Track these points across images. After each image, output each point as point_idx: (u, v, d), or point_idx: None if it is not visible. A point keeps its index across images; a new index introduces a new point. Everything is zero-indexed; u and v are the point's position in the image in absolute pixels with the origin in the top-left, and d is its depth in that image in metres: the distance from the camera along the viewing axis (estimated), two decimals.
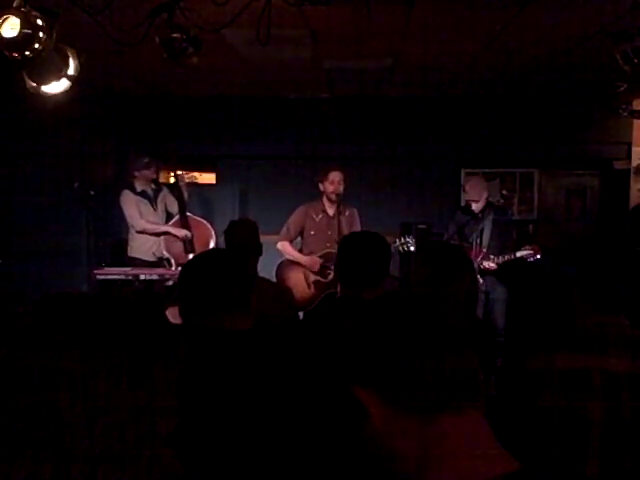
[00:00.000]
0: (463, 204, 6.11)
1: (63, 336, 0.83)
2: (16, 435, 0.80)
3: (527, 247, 5.13)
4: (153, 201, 5.61)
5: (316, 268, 4.76)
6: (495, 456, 0.87)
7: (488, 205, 5.35)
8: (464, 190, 5.80)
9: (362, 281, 2.27)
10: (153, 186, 5.65)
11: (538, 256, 5.07)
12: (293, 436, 1.65)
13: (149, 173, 5.53)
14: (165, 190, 5.77)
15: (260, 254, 3.53)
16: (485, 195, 5.36)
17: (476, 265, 5.14)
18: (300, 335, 2.13)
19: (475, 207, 5.30)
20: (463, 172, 7.26)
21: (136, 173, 5.51)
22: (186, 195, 5.66)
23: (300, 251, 4.98)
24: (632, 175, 6.59)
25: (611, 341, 1.68)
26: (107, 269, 5.15)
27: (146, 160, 5.52)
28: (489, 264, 5.11)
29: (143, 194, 5.53)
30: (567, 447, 1.65)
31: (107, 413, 0.80)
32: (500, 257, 5.12)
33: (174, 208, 5.68)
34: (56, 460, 0.78)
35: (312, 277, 4.78)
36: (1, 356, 0.83)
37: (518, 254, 5.09)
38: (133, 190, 5.51)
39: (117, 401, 0.81)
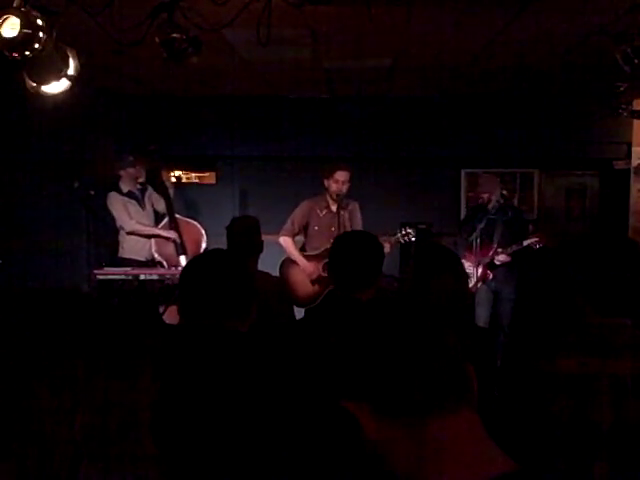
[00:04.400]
0: (471, 203, 6.21)
1: (43, 330, 0.84)
2: (1, 430, 0.81)
3: (532, 236, 5.28)
4: (140, 200, 5.60)
5: (314, 276, 4.76)
6: (491, 456, 0.86)
7: (500, 204, 5.43)
8: (477, 183, 5.91)
9: (354, 282, 2.25)
10: (139, 186, 5.64)
11: (542, 244, 5.22)
12: (285, 444, 1.64)
13: (134, 172, 5.53)
14: (150, 189, 5.76)
15: (261, 251, 3.53)
16: (498, 192, 5.43)
17: (487, 261, 5.23)
18: (294, 341, 2.11)
19: (486, 200, 5.38)
20: (463, 172, 7.26)
21: (121, 172, 5.51)
22: (172, 193, 5.65)
23: (303, 247, 5.00)
24: (632, 175, 6.59)
25: (617, 344, 1.68)
26: (107, 269, 5.15)
27: (130, 159, 5.51)
28: (501, 257, 5.21)
29: (130, 194, 5.52)
30: (575, 449, 1.65)
31: (87, 403, 0.81)
32: (508, 248, 5.25)
33: (160, 206, 5.67)
34: (40, 451, 0.79)
35: (313, 275, 4.78)
36: None
37: (525, 243, 5.23)
38: (119, 191, 5.49)
39: (97, 391, 0.82)
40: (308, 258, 4.87)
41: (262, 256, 3.59)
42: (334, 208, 4.89)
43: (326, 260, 4.70)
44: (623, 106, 5.49)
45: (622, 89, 4.71)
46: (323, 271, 4.71)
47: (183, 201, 6.46)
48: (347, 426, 0.89)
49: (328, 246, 4.70)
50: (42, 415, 0.81)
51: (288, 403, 1.68)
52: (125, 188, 5.51)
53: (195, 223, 5.66)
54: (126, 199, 5.49)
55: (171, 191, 5.67)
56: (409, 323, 0.92)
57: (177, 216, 5.57)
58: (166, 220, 5.57)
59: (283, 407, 1.67)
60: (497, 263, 5.28)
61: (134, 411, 0.86)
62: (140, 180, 5.62)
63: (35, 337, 0.86)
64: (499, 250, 5.26)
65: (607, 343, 1.69)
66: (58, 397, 0.82)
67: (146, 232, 5.48)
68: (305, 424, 1.64)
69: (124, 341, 0.89)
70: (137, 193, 5.59)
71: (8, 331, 0.87)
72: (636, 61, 3.27)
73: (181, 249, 5.40)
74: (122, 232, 5.52)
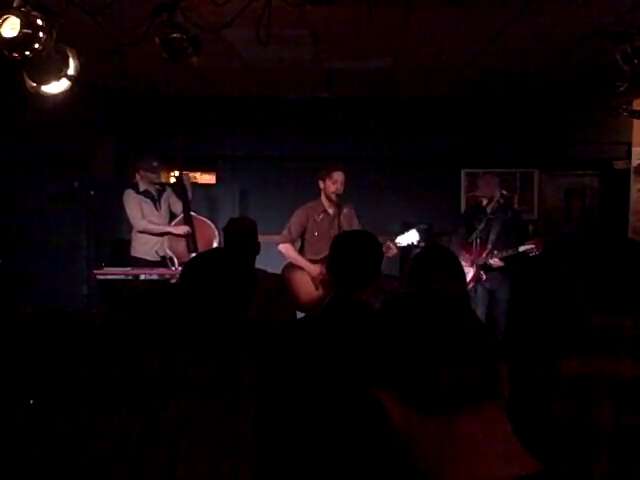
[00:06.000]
0: (470, 203, 6.16)
1: (160, 314, 0.90)
2: (111, 395, 0.85)
3: (529, 242, 5.18)
4: (156, 201, 5.61)
5: (321, 277, 4.72)
6: (515, 457, 0.85)
7: (499, 205, 5.38)
8: (477, 186, 5.86)
9: (353, 281, 2.25)
10: (157, 186, 5.65)
11: (538, 251, 5.10)
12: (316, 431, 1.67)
13: (153, 177, 5.54)
14: (169, 190, 5.77)
15: (257, 253, 3.53)
16: (498, 194, 5.37)
17: (481, 262, 5.19)
18: (307, 334, 2.12)
19: (485, 202, 5.33)
20: (463, 172, 7.26)
21: (141, 172, 5.52)
22: (190, 195, 5.67)
23: (300, 251, 4.97)
24: (632, 175, 6.59)
25: (619, 344, 1.67)
26: (107, 269, 5.15)
27: (155, 164, 5.52)
28: (494, 260, 5.16)
29: (146, 193, 5.53)
30: (575, 450, 1.64)
31: (194, 385, 0.85)
32: (503, 252, 5.16)
33: (177, 208, 5.68)
34: (145, 421, 0.83)
35: (319, 277, 4.76)
36: (100, 325, 0.92)
37: (520, 249, 5.13)
38: (136, 189, 5.51)
39: (205, 374, 0.86)
40: (311, 263, 4.85)
41: (263, 256, 3.59)
42: (331, 211, 4.87)
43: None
44: (623, 106, 5.49)
45: (622, 89, 4.71)
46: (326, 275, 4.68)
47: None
48: (374, 412, 0.89)
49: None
50: (151, 388, 0.86)
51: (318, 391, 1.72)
52: (142, 187, 5.53)
53: (210, 223, 5.67)
54: (141, 197, 5.49)
55: (189, 191, 5.69)
56: (444, 318, 0.92)
57: (192, 214, 5.58)
58: (181, 216, 5.58)
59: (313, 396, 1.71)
60: (490, 265, 5.20)
61: (236, 399, 0.90)
62: (157, 181, 5.62)
63: (154, 319, 0.93)
64: (495, 252, 5.17)
65: (607, 343, 1.68)
66: (168, 373, 0.87)
67: (157, 231, 5.49)
68: (335, 408, 1.66)
69: (234, 332, 0.95)
70: (154, 193, 5.59)
71: (131, 312, 0.96)
72: (636, 61, 3.27)
73: (192, 246, 5.41)
74: (134, 230, 5.53)
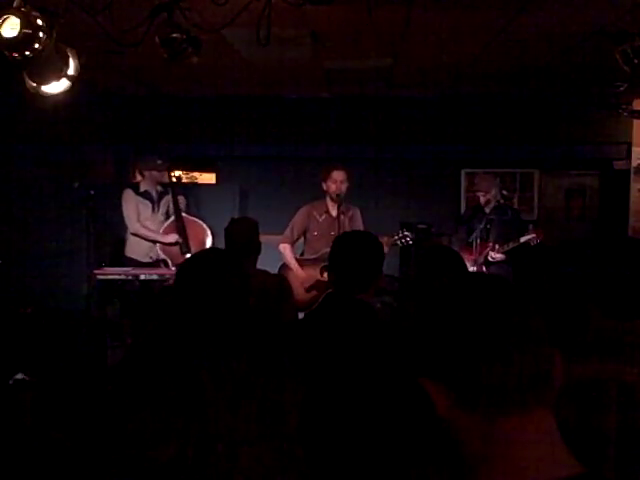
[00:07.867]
0: (470, 203, 6.19)
1: (211, 333, 0.92)
2: (161, 421, 0.86)
3: (529, 232, 5.24)
4: (155, 203, 5.60)
5: (306, 284, 4.75)
6: (558, 459, 0.85)
7: (498, 204, 5.41)
8: (474, 182, 5.92)
9: (354, 282, 2.24)
10: (159, 188, 5.63)
11: (539, 240, 5.15)
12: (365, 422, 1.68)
13: (159, 175, 5.53)
14: (170, 194, 5.76)
15: (259, 253, 3.54)
16: (494, 192, 5.40)
17: (482, 260, 5.20)
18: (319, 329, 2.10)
19: (482, 200, 5.36)
20: (463, 172, 7.26)
21: (146, 173, 5.51)
22: (182, 201, 5.65)
23: (302, 253, 4.99)
24: (632, 175, 6.59)
25: (627, 348, 1.66)
26: (107, 269, 5.15)
27: (159, 162, 5.51)
28: (495, 255, 5.19)
29: (145, 194, 5.52)
30: (581, 456, 1.63)
31: (249, 397, 0.86)
32: (505, 245, 5.20)
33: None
34: (202, 433, 0.84)
35: (306, 282, 4.77)
36: (144, 344, 0.95)
37: (522, 239, 5.18)
38: (136, 190, 5.50)
39: (257, 387, 0.87)
40: (306, 262, 4.87)
41: (262, 256, 3.60)
42: (334, 212, 4.88)
43: (324, 263, 4.70)
44: (623, 106, 5.49)
45: (622, 89, 4.71)
46: (322, 275, 4.71)
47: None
48: (421, 402, 0.88)
49: (327, 250, 4.71)
50: (206, 403, 0.89)
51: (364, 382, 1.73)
52: (143, 187, 5.52)
53: (201, 222, 5.67)
54: (140, 199, 5.49)
55: (182, 205, 5.67)
56: (498, 311, 0.89)
57: (183, 215, 5.58)
58: (172, 219, 5.57)
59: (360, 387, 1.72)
60: (491, 260, 5.24)
61: (283, 409, 0.92)
62: (163, 181, 5.61)
63: (206, 340, 0.94)
64: (496, 247, 5.22)
65: (612, 347, 1.67)
66: (222, 390, 0.89)
67: (147, 237, 5.49)
68: (385, 397, 1.66)
69: (279, 345, 0.97)
70: (154, 195, 5.58)
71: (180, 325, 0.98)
72: (636, 61, 3.28)
73: (185, 248, 5.41)
74: (128, 231, 5.54)
